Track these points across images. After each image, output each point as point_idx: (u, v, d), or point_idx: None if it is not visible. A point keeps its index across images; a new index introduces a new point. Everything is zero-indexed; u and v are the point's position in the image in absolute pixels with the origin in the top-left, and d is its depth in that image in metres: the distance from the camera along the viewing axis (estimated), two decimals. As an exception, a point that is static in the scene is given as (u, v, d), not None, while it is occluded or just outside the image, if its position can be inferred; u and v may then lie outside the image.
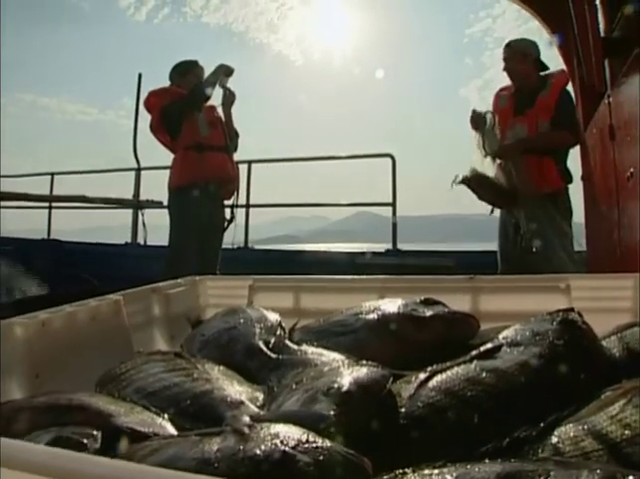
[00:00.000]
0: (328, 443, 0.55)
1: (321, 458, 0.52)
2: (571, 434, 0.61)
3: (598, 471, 0.47)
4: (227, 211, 3.99)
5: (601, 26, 3.06)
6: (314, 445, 0.54)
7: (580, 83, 3.54)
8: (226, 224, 3.96)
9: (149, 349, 1.17)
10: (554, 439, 0.61)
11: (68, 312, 1.06)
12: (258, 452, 0.53)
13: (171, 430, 0.73)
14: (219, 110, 3.88)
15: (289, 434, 0.55)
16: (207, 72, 3.80)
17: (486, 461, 0.54)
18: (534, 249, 3.11)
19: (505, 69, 3.38)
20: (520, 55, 3.31)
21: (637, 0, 2.56)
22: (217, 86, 3.78)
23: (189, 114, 3.64)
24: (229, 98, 3.87)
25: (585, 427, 0.61)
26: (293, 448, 0.53)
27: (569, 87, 3.33)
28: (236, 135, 3.97)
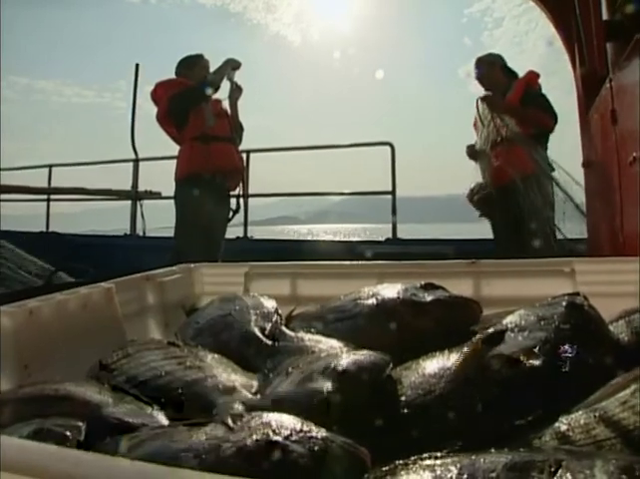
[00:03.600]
0: (323, 433, 0.51)
1: (315, 448, 0.49)
2: (582, 422, 0.57)
3: (613, 461, 0.44)
4: (233, 201, 3.98)
5: (603, 9, 3.01)
6: (308, 435, 0.50)
7: (581, 67, 3.49)
8: (231, 214, 3.94)
9: (142, 338, 1.14)
10: (564, 427, 0.57)
11: (57, 301, 1.02)
12: (248, 443, 0.49)
13: (162, 420, 0.70)
14: (225, 103, 3.86)
15: (282, 423, 0.52)
16: (212, 63, 3.78)
17: (493, 451, 0.51)
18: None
19: (477, 78, 3.79)
20: (488, 64, 3.73)
21: None
22: (225, 79, 3.77)
23: (197, 105, 3.61)
24: (236, 92, 3.85)
25: (596, 414, 0.58)
26: (286, 438, 0.50)
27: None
28: (241, 128, 3.96)
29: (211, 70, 3.80)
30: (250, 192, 5.53)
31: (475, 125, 3.80)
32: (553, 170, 3.41)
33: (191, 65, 3.79)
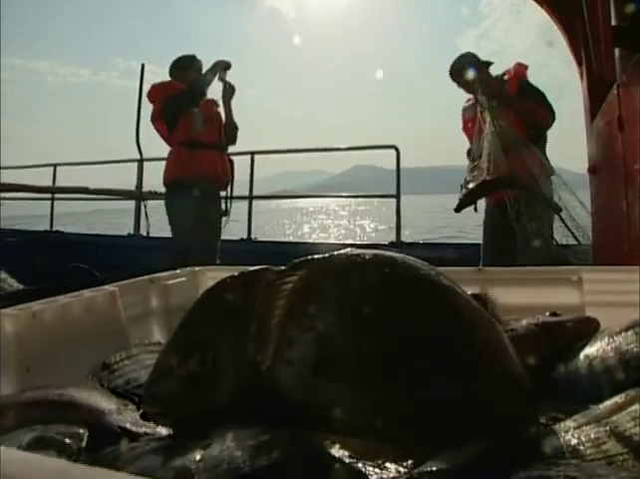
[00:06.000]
0: (325, 451, 0.50)
1: (313, 468, 0.48)
2: (592, 436, 0.56)
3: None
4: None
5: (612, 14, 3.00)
6: (307, 455, 0.49)
7: (588, 72, 3.48)
8: (222, 218, 4.03)
9: (146, 341, 1.14)
10: (574, 441, 0.56)
11: (61, 304, 1.02)
12: (241, 464, 0.48)
13: (162, 430, 0.69)
14: (220, 103, 3.94)
15: (279, 444, 0.51)
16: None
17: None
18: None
19: (461, 86, 3.47)
20: (471, 67, 3.38)
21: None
22: (217, 79, 3.87)
23: (187, 109, 3.69)
24: (229, 91, 3.94)
25: (607, 429, 0.56)
26: (283, 459, 0.48)
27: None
28: (235, 128, 4.02)
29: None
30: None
31: (466, 128, 3.58)
32: (553, 173, 3.33)
33: (185, 67, 3.89)
